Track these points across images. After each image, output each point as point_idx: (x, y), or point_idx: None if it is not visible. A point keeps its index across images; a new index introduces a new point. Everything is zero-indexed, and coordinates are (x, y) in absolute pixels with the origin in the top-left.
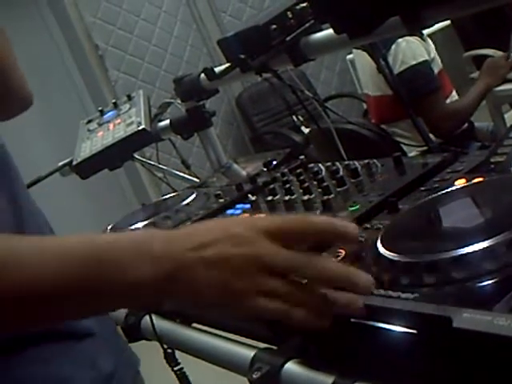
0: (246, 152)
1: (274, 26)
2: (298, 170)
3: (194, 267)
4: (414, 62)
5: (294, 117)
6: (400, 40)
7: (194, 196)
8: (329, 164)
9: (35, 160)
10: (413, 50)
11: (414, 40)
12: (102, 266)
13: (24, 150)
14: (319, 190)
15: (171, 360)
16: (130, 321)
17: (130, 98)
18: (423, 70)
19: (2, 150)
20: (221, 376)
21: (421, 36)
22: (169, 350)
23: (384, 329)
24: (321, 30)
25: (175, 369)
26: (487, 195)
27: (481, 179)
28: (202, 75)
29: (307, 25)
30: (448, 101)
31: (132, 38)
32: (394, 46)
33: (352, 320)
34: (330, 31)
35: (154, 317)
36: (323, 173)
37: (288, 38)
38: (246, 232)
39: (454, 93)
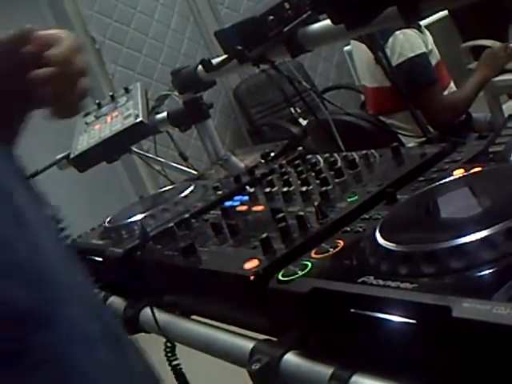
0: (244, 144)
1: (271, 17)
2: (296, 162)
3: None
4: (412, 55)
5: (292, 109)
6: (397, 32)
7: (191, 188)
8: (327, 155)
9: (32, 153)
10: (410, 42)
11: (411, 32)
12: None
13: (21, 143)
14: (317, 181)
15: (171, 354)
16: (128, 313)
17: (127, 90)
18: (421, 63)
19: None
20: (220, 368)
21: (418, 28)
22: (168, 344)
23: (383, 319)
24: (318, 20)
25: (173, 364)
26: (485, 185)
27: (479, 169)
28: (200, 67)
29: (304, 16)
30: (446, 92)
31: (129, 31)
32: (391, 39)
33: (351, 310)
34: (328, 22)
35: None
36: (321, 164)
37: (285, 29)
38: None
39: (452, 84)
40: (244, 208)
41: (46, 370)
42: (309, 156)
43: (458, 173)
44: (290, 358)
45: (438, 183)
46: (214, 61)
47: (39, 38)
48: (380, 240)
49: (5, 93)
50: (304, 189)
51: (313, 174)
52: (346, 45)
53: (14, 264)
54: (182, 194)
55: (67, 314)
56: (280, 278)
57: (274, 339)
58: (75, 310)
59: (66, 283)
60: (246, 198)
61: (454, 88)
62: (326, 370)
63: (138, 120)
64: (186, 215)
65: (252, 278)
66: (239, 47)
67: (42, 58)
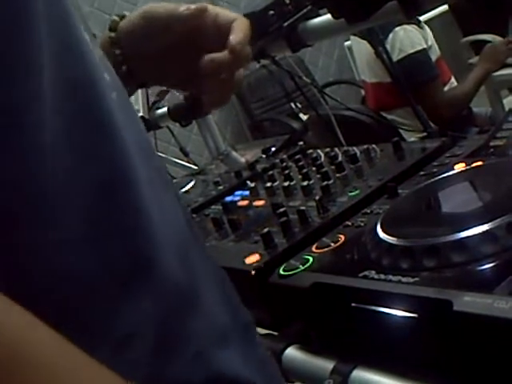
0: (245, 139)
1: (272, 12)
2: (297, 156)
3: None
4: (412, 51)
5: (293, 104)
6: (397, 28)
7: (192, 183)
8: (328, 150)
9: None
10: (410, 38)
11: (411, 28)
12: None
13: None
14: (318, 175)
15: None
16: None
17: None
18: (421, 59)
19: None
20: None
21: (418, 24)
22: None
23: (384, 313)
24: (318, 15)
25: None
26: (486, 179)
27: (480, 163)
28: None
29: (305, 10)
30: (447, 88)
31: None
32: (391, 35)
33: (353, 305)
34: (328, 16)
35: None
36: (322, 159)
37: (285, 24)
38: None
39: (453, 79)
40: (245, 203)
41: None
42: (310, 151)
43: (459, 167)
44: (292, 352)
45: (438, 177)
46: None
47: (217, 20)
48: (381, 234)
49: (158, 69)
50: (305, 183)
51: (314, 168)
52: (347, 40)
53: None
54: (183, 189)
55: (207, 301)
56: (281, 272)
57: (275, 333)
58: (211, 297)
59: (201, 263)
60: (247, 192)
61: (455, 83)
62: (327, 364)
63: (139, 115)
64: (187, 210)
65: (253, 272)
66: None
67: (215, 42)
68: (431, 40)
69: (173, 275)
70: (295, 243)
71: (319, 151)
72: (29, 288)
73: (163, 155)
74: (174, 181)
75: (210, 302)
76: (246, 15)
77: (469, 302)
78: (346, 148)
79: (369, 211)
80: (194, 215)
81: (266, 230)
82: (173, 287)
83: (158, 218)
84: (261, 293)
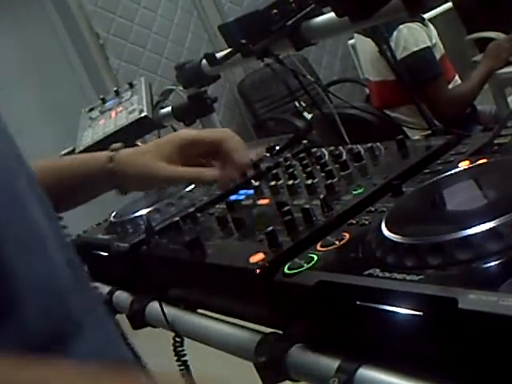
0: (249, 138)
1: (275, 11)
2: (301, 155)
3: None
4: (416, 49)
5: (297, 102)
6: (401, 26)
7: None
8: (332, 148)
9: (37, 149)
10: (414, 36)
11: (415, 26)
12: None
13: (25, 140)
14: (322, 174)
15: (179, 349)
16: (134, 308)
17: (131, 85)
18: (425, 56)
19: None
20: (225, 362)
21: (422, 21)
22: (177, 339)
23: (389, 311)
24: (322, 13)
25: (182, 359)
26: (491, 176)
27: (485, 161)
28: (204, 61)
29: (308, 9)
30: (451, 86)
31: (133, 26)
32: (395, 33)
33: (358, 303)
34: (332, 15)
35: (158, 303)
36: (326, 157)
37: (289, 23)
38: None
39: (457, 78)
40: (249, 202)
41: None
42: (314, 149)
43: (464, 165)
44: (296, 351)
45: (443, 175)
46: (218, 55)
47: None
48: (386, 232)
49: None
50: (309, 182)
51: (318, 167)
52: (351, 38)
53: None
54: (187, 188)
55: (91, 334)
56: (286, 271)
57: (280, 332)
58: (96, 330)
59: None
60: (251, 191)
61: (459, 81)
62: (332, 363)
63: (143, 115)
64: (192, 209)
65: (258, 271)
66: (243, 41)
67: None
68: (435, 38)
69: (33, 323)
70: (300, 242)
71: (323, 150)
72: None
73: None
74: None
75: (97, 335)
76: (249, 14)
77: (474, 299)
78: (350, 146)
79: (373, 209)
80: (199, 214)
81: (270, 228)
82: (32, 332)
83: (22, 273)
84: (265, 292)
